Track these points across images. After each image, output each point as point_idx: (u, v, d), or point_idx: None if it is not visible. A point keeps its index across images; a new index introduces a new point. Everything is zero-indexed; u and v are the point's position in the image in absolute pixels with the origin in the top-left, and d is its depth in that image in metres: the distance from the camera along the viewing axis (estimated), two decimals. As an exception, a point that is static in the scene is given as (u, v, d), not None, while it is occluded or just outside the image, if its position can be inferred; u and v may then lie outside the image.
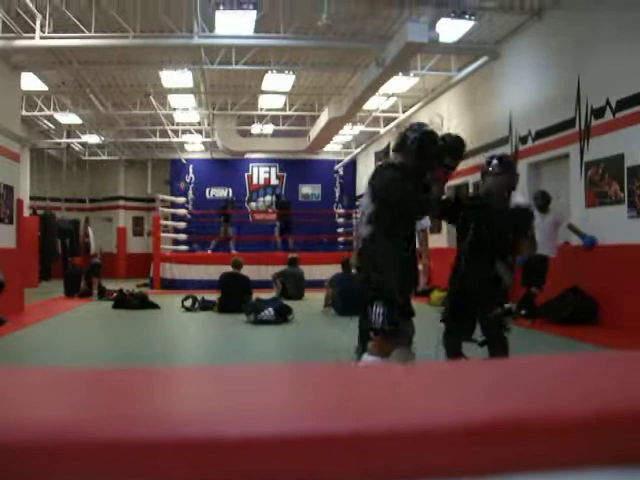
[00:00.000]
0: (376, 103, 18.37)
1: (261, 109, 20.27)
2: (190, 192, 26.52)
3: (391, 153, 5.44)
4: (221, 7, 11.31)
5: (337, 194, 27.29)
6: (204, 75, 15.52)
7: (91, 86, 17.08)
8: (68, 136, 23.00)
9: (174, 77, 15.74)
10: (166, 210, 22.37)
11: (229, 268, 13.51)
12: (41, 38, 11.77)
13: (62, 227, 21.05)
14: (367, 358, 5.14)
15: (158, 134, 23.00)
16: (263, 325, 10.59)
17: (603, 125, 10.04)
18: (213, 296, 13.12)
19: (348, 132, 22.29)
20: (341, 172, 27.27)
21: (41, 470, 0.86)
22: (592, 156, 10.33)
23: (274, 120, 21.61)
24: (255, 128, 22.50)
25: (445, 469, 0.94)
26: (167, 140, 23.28)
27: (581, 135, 10.61)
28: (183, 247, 21.47)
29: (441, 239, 17.01)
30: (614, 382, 1.21)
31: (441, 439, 0.94)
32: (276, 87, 16.97)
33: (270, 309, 10.96)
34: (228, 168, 26.63)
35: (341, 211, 25.60)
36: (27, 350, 8.65)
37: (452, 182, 16.25)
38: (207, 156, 26.46)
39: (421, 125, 5.43)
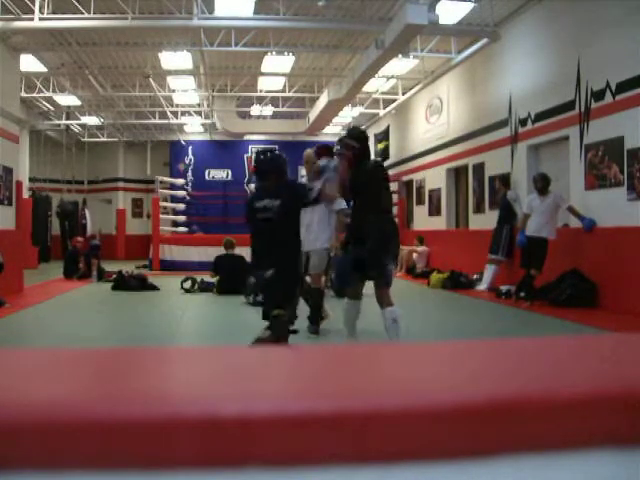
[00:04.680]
0: (376, 85, 18.28)
1: (261, 91, 20.19)
2: (189, 174, 26.42)
3: None
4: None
5: (337, 176, 27.16)
6: (203, 57, 15.44)
7: (90, 67, 17.01)
8: (67, 118, 22.87)
9: (173, 59, 15.65)
10: (165, 192, 22.31)
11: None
12: (40, 19, 11.69)
13: (64, 209, 20.98)
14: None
15: (157, 116, 22.89)
16: (263, 306, 10.58)
17: (603, 107, 10.01)
18: (213, 278, 13.12)
19: (348, 114, 22.20)
20: (341, 154, 27.15)
21: (42, 449, 0.87)
22: (592, 138, 10.30)
23: (273, 102, 21.52)
24: (255, 110, 22.40)
25: (445, 449, 0.95)
26: (166, 122, 23.17)
27: (581, 117, 10.58)
28: (182, 229, 21.44)
29: (440, 221, 17.01)
30: (613, 364, 1.22)
31: (441, 419, 0.95)
32: (276, 69, 16.90)
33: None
34: (227, 150, 26.53)
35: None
36: (26, 332, 8.66)
37: (453, 164, 16.26)
38: (206, 138, 26.33)
39: None
